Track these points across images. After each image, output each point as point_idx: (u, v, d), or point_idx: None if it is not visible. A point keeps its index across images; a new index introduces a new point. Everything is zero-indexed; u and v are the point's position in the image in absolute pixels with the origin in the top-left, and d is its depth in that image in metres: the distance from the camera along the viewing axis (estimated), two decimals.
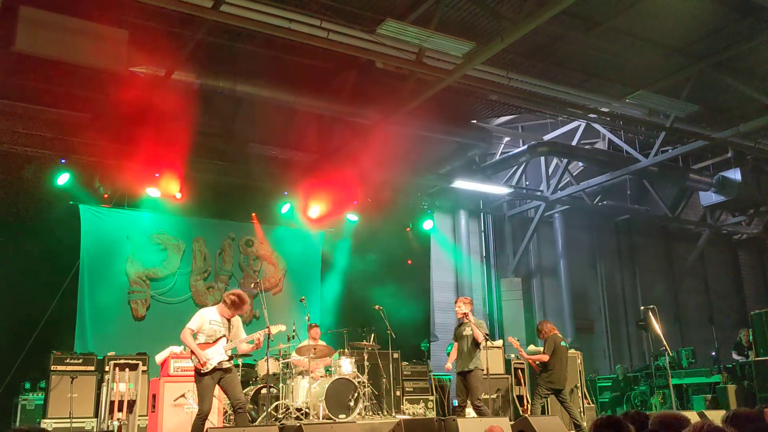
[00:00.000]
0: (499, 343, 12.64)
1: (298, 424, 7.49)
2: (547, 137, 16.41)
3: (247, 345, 7.86)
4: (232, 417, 9.44)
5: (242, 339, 7.79)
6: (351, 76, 11.90)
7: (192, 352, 7.56)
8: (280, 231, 13.87)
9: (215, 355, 7.54)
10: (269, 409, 8.91)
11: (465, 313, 9.61)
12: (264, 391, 9.77)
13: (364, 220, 14.28)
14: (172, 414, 9.08)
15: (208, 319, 7.72)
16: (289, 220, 13.79)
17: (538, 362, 10.02)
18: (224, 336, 7.67)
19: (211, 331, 7.66)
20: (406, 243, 14.92)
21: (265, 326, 7.96)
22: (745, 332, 14.63)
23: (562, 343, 10.16)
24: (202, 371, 7.46)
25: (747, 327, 14.86)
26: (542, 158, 17.11)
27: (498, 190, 16.68)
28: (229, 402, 9.35)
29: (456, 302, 9.84)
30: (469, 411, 9.73)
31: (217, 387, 7.71)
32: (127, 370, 9.52)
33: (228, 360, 7.63)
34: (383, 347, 11.26)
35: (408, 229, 15.02)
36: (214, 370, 7.51)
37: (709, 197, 17.93)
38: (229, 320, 7.79)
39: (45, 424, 9.23)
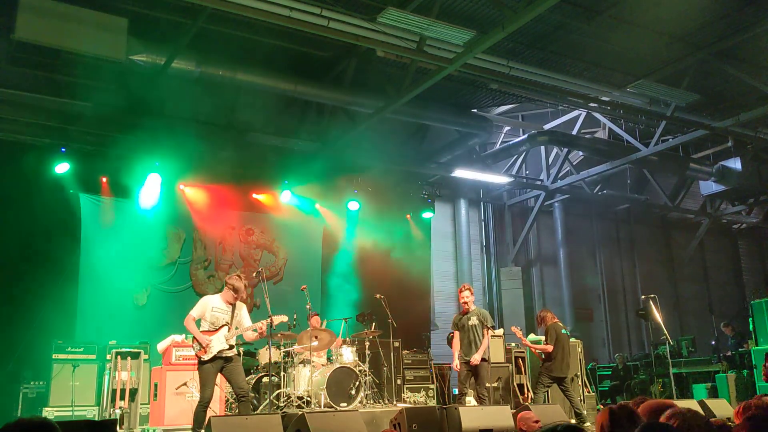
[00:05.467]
0: (499, 332, 12.67)
1: (300, 413, 7.51)
2: (547, 126, 16.39)
3: (252, 333, 7.91)
4: (234, 405, 9.50)
5: (246, 327, 7.85)
6: (351, 64, 11.87)
7: (194, 339, 7.62)
8: (281, 220, 13.86)
9: (216, 344, 7.58)
10: (271, 398, 8.93)
11: (466, 302, 9.74)
12: (265, 379, 9.80)
13: (365, 209, 14.28)
14: (174, 402, 9.13)
15: (210, 306, 7.78)
16: (289, 209, 13.79)
17: (541, 353, 10.06)
18: (226, 324, 7.71)
19: (214, 319, 7.72)
20: (406, 232, 14.92)
21: (267, 315, 8.00)
22: (724, 326, 15.22)
23: (563, 332, 10.20)
24: (202, 358, 7.52)
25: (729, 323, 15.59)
26: (542, 147, 17.09)
27: (498, 179, 16.67)
28: (229, 391, 9.44)
29: (464, 290, 9.83)
30: (470, 399, 9.78)
31: (219, 375, 7.75)
32: (128, 358, 9.54)
33: (229, 348, 7.66)
34: (384, 336, 11.29)
35: (408, 216, 15.04)
36: (215, 358, 7.56)
37: (709, 186, 17.94)
38: (233, 308, 7.83)
39: (47, 412, 9.27)
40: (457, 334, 9.82)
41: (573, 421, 9.56)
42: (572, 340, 11.80)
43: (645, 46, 11.36)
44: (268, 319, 7.98)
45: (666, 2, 10.19)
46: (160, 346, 9.75)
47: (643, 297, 12.10)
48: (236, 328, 7.80)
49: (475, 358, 9.39)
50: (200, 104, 12.35)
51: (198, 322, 7.76)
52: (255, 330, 7.92)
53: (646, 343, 19.18)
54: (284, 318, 8.33)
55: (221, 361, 7.63)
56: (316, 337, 10.10)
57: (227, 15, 9.56)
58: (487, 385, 9.59)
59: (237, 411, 7.99)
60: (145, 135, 11.71)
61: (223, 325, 7.69)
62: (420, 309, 14.69)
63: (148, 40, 10.18)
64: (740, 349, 14.01)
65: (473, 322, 9.62)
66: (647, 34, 11.01)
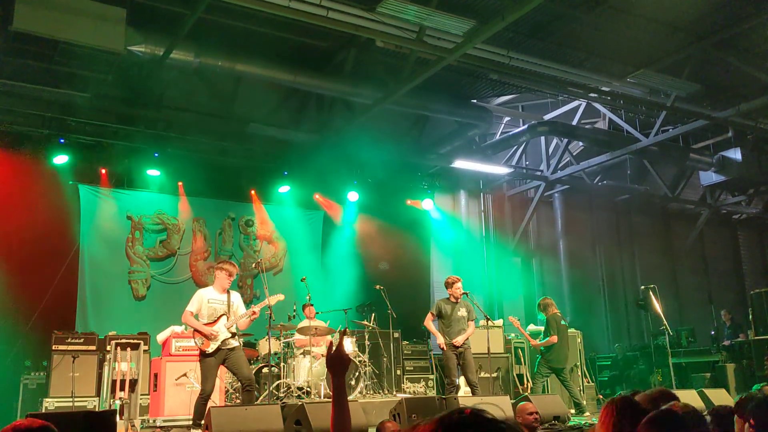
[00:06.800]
0: (499, 322, 12.70)
1: (300, 403, 7.53)
2: (547, 117, 16.35)
3: (246, 319, 7.91)
4: (234, 396, 9.53)
5: (241, 315, 7.83)
6: (351, 54, 11.83)
7: (194, 333, 7.61)
8: (280, 211, 13.86)
9: (219, 334, 7.59)
10: (270, 388, 8.95)
11: (466, 293, 9.75)
12: (265, 370, 9.82)
13: (365, 200, 14.28)
14: (174, 393, 9.14)
15: (206, 298, 7.78)
16: (289, 200, 13.80)
17: (542, 347, 10.07)
18: (224, 314, 7.71)
19: (211, 311, 7.72)
20: (406, 223, 14.93)
21: (267, 305, 8.01)
22: (725, 313, 15.19)
23: (562, 322, 10.23)
24: (206, 351, 7.51)
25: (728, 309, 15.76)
26: (542, 138, 17.05)
27: (498, 169, 16.65)
28: (229, 382, 9.46)
29: (458, 280, 9.81)
30: (468, 390, 9.81)
31: (219, 366, 7.76)
32: (128, 349, 9.53)
33: (231, 337, 7.67)
34: (384, 327, 11.30)
35: (408, 202, 15.06)
36: (218, 350, 7.56)
37: (709, 177, 17.89)
38: (228, 296, 7.84)
39: (47, 402, 9.30)
40: (433, 319, 9.72)
41: (572, 411, 9.58)
42: (572, 330, 11.83)
43: (645, 36, 11.31)
44: (264, 302, 8.01)
45: None
46: (160, 337, 9.76)
47: (642, 287, 12.10)
48: (233, 317, 7.80)
49: (458, 340, 9.40)
50: (199, 95, 12.33)
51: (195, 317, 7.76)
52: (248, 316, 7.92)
53: (646, 333, 19.17)
54: (281, 296, 8.34)
55: (224, 353, 7.64)
56: (315, 329, 10.12)
57: (226, 5, 9.50)
58: (483, 374, 9.62)
59: (241, 401, 8.02)
60: (144, 126, 11.69)
61: (221, 315, 7.69)
62: (420, 300, 14.70)
63: (147, 30, 10.13)
64: (737, 339, 14.03)
65: (462, 313, 9.62)
66: (648, 24, 10.97)
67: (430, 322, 9.76)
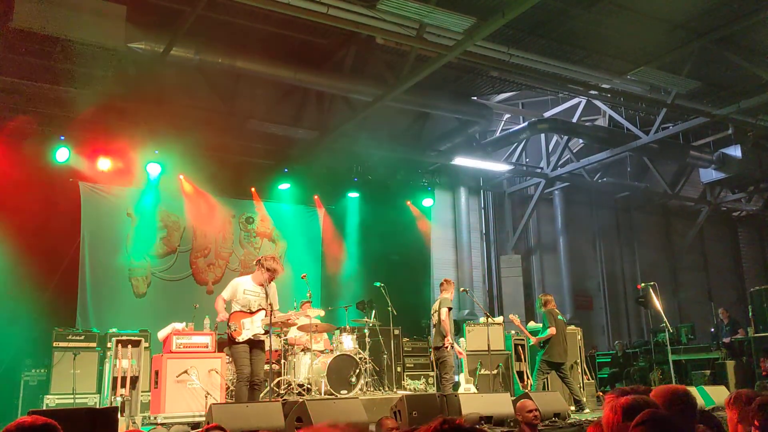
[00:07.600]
0: (499, 319, 12.70)
1: (301, 400, 7.53)
2: (547, 114, 16.36)
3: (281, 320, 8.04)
4: (233, 392, 9.53)
5: (281, 316, 7.97)
6: (351, 51, 11.83)
7: (230, 317, 7.74)
8: (280, 208, 13.87)
9: (251, 327, 7.64)
10: (271, 385, 8.96)
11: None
12: (266, 367, 9.82)
13: (365, 198, 14.28)
14: (175, 390, 9.12)
15: (242, 289, 7.85)
16: (289, 198, 13.80)
17: (541, 342, 10.09)
18: (263, 309, 7.76)
19: (245, 301, 7.78)
20: (406, 220, 14.93)
21: (267, 302, 8.03)
22: (722, 311, 15.23)
23: (560, 317, 10.24)
24: (237, 340, 7.61)
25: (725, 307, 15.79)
26: (542, 135, 17.06)
27: (498, 167, 16.65)
28: (230, 379, 9.46)
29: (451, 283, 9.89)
30: (469, 387, 9.82)
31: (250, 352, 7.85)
32: (129, 346, 9.54)
33: (264, 334, 7.74)
34: (384, 324, 11.31)
35: (408, 203, 15.07)
36: (249, 340, 7.64)
37: (709, 174, 17.91)
38: (265, 289, 7.88)
39: (48, 399, 9.30)
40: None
41: (572, 408, 9.59)
42: (572, 327, 11.84)
43: (646, 33, 11.29)
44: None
45: None
46: (161, 334, 9.75)
47: (643, 284, 12.11)
48: (273, 316, 7.87)
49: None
50: (200, 92, 12.33)
51: (228, 305, 7.85)
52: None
53: (646, 330, 19.21)
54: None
55: (252, 343, 7.72)
56: (315, 326, 10.13)
57: (226, 2, 9.52)
58: (483, 372, 9.67)
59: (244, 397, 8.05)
60: (144, 123, 11.68)
61: (260, 309, 7.75)
62: (420, 297, 14.71)
63: (147, 27, 10.13)
64: (736, 337, 14.05)
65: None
66: (648, 21, 10.95)
67: (449, 319, 9.66)
